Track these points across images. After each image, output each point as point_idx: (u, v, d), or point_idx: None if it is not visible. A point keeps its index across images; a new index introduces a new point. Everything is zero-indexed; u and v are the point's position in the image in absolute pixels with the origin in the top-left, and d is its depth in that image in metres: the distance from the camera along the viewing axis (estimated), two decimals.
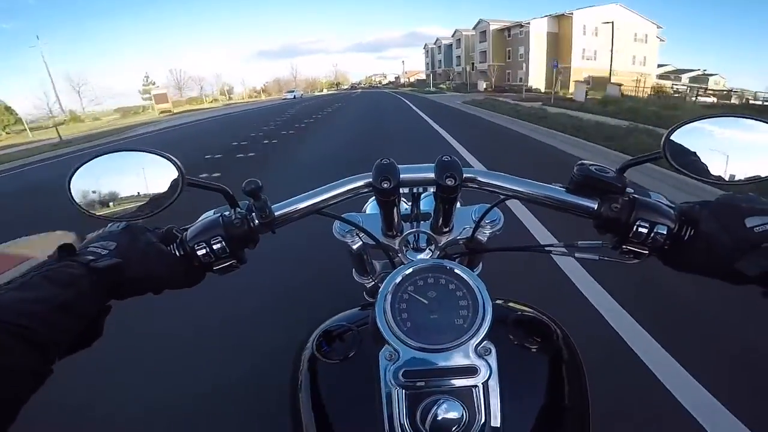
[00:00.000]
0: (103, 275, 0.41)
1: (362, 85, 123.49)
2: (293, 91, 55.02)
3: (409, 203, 0.59)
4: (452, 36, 64.19)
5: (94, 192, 0.46)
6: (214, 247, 0.47)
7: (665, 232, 0.45)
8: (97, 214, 0.46)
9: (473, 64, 54.53)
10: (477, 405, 0.39)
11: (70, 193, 0.45)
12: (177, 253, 0.47)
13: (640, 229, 0.45)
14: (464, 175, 0.48)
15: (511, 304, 0.55)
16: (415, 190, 0.54)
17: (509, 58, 47.71)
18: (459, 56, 60.96)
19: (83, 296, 0.39)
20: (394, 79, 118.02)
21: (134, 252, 0.44)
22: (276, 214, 0.50)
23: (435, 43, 74.38)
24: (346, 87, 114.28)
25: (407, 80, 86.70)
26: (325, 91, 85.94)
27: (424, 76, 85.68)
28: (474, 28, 53.91)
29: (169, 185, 0.46)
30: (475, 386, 0.39)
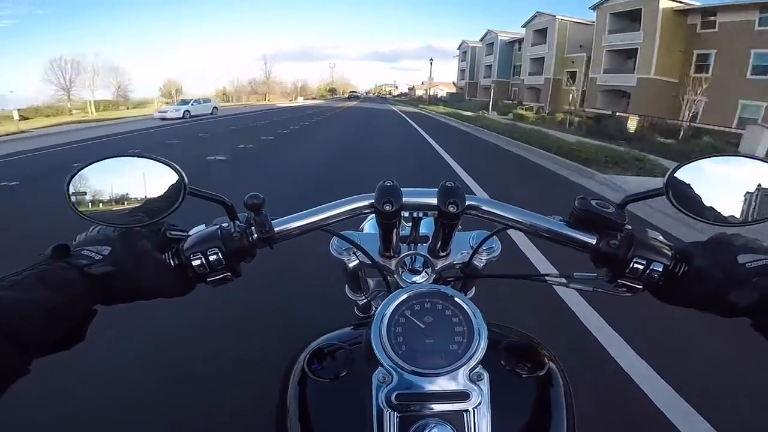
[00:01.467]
0: (96, 282, 0.40)
1: (371, 94, 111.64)
2: (185, 103, 23.76)
3: (408, 224, 0.60)
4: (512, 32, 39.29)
5: (93, 195, 0.46)
6: (210, 258, 0.46)
7: (661, 270, 0.46)
8: (95, 218, 0.45)
9: (575, 74, 28.24)
10: (467, 430, 0.39)
11: (68, 194, 0.45)
12: (171, 262, 0.47)
13: (636, 266, 0.46)
14: (467, 203, 0.48)
15: (503, 331, 0.56)
16: (416, 214, 0.54)
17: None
18: (533, 59, 33.88)
19: (73, 301, 0.38)
20: (407, 90, 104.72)
21: (128, 259, 0.43)
22: (276, 229, 0.50)
23: (484, 40, 45.17)
24: (341, 95, 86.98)
25: (428, 93, 54.95)
26: (300, 101, 58.32)
27: (445, 89, 70.74)
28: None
29: (170, 193, 0.45)
30: (467, 411, 0.40)
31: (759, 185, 0.46)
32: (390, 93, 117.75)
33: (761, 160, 0.45)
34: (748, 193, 0.46)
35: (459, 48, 54.71)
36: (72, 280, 0.39)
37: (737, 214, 0.46)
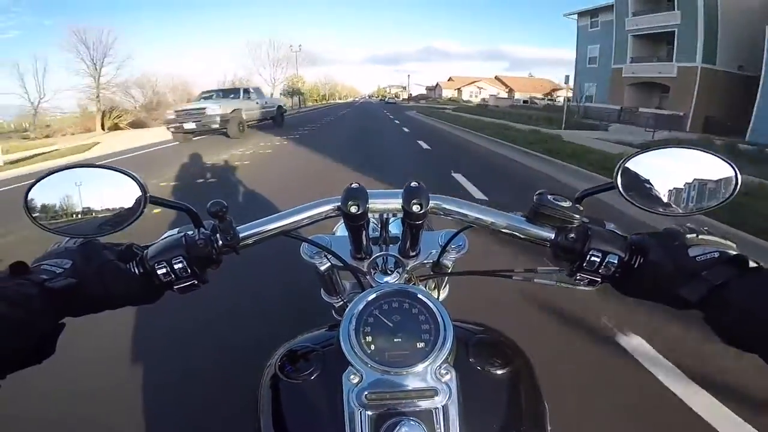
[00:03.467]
0: (57, 295, 0.40)
1: (372, 98, 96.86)
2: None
3: (378, 225, 0.60)
4: None
5: (52, 207, 0.45)
6: (175, 266, 0.46)
7: (616, 262, 0.47)
8: (55, 229, 0.45)
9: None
10: (437, 426, 0.40)
11: (27, 206, 0.44)
12: (136, 271, 0.46)
13: (593, 258, 0.47)
14: (430, 203, 0.49)
15: (472, 327, 0.56)
16: (384, 215, 0.55)
17: None
18: None
19: (34, 316, 0.38)
20: (426, 90, 78.33)
21: (90, 270, 0.43)
22: (241, 236, 0.50)
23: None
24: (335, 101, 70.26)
25: (481, 94, 42.63)
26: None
27: (488, 87, 53.56)
28: None
29: (131, 203, 0.45)
30: (436, 408, 0.40)
31: (706, 175, 0.48)
32: (396, 96, 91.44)
33: (702, 150, 0.48)
34: (692, 182, 0.48)
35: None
36: (31, 295, 0.38)
37: (683, 204, 0.48)
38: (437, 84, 72.99)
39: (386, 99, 75.81)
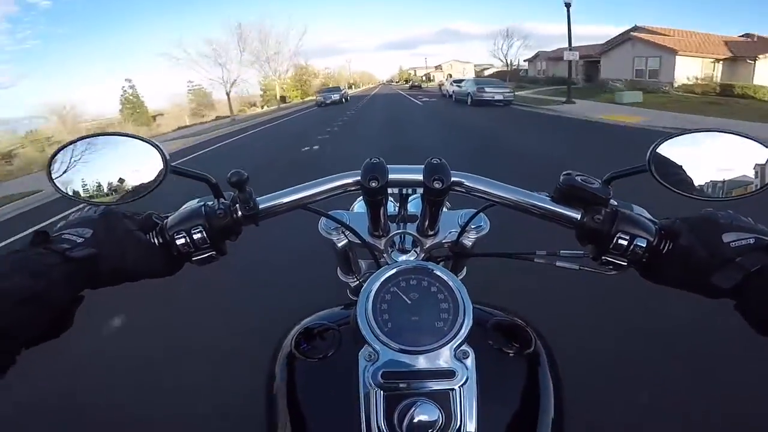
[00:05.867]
0: (78, 265, 0.39)
1: (393, 83, 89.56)
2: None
3: (397, 204, 0.59)
4: None
5: (74, 174, 0.45)
6: (195, 237, 0.46)
7: (644, 245, 0.46)
8: (77, 197, 0.45)
9: None
10: (453, 408, 0.39)
11: (50, 174, 0.44)
12: (155, 242, 0.46)
13: (620, 241, 0.46)
14: (452, 179, 0.48)
15: (491, 309, 0.56)
16: (403, 191, 0.54)
17: None
18: None
19: (55, 287, 0.37)
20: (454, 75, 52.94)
21: (111, 240, 0.43)
22: (260, 207, 0.50)
23: None
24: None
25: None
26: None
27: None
28: None
29: (152, 172, 0.45)
30: (452, 389, 0.40)
31: (743, 161, 0.46)
32: (426, 79, 74.26)
33: (743, 135, 0.46)
34: (728, 168, 0.46)
35: None
36: (52, 265, 0.38)
37: (718, 190, 0.46)
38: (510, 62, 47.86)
39: (411, 83, 62.85)
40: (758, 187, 0.45)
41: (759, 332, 0.39)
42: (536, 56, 35.38)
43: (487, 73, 52.33)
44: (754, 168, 0.46)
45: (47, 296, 0.36)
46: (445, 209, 0.57)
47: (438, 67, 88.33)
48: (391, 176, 0.49)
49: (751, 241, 0.41)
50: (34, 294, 0.35)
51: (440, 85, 38.64)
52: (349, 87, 70.68)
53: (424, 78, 79.36)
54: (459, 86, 21.95)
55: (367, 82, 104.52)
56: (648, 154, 0.46)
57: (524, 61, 38.15)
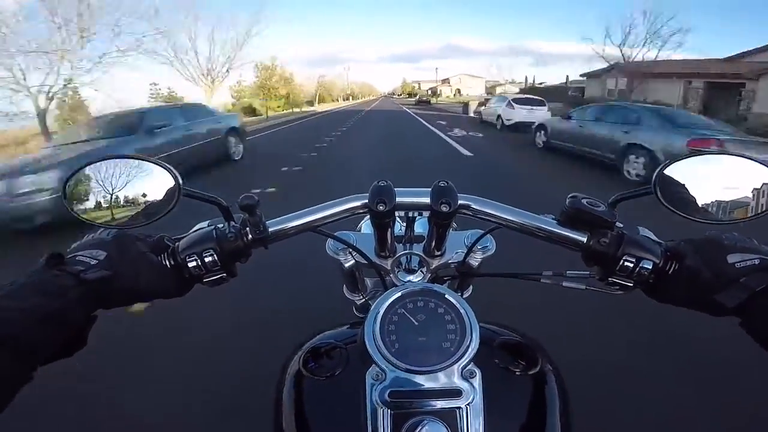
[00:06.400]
0: (91, 287, 0.41)
1: (394, 96, 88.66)
2: None
3: (404, 224, 0.60)
4: None
5: (89, 197, 0.46)
6: (206, 259, 0.47)
7: (650, 267, 0.46)
8: (91, 219, 0.46)
9: None
10: (460, 426, 0.39)
11: (65, 196, 0.45)
12: (167, 263, 0.47)
13: (627, 264, 0.46)
14: (459, 202, 0.49)
15: (497, 328, 0.56)
16: (410, 213, 0.55)
17: None
18: None
19: (70, 307, 0.38)
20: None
21: (124, 262, 0.44)
22: (270, 230, 0.51)
23: None
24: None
25: None
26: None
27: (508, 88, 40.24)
28: None
29: (165, 195, 0.46)
30: (459, 408, 0.40)
31: (747, 184, 0.46)
32: (434, 94, 65.41)
33: (748, 158, 0.46)
34: (732, 190, 0.46)
35: None
36: (67, 286, 0.39)
37: (723, 213, 0.46)
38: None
39: (419, 98, 52.23)
40: (765, 208, 0.46)
41: (765, 348, 0.40)
42: (611, 69, 22.29)
43: (499, 90, 45.84)
44: (759, 190, 0.46)
45: (63, 316, 0.38)
46: (451, 230, 0.58)
47: (446, 81, 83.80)
48: (399, 199, 0.50)
49: (756, 261, 0.42)
50: (50, 314, 0.36)
51: (480, 104, 18.00)
52: (346, 98, 65.64)
53: (429, 92, 72.55)
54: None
55: (367, 93, 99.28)
56: (654, 176, 0.46)
57: (581, 75, 26.85)
